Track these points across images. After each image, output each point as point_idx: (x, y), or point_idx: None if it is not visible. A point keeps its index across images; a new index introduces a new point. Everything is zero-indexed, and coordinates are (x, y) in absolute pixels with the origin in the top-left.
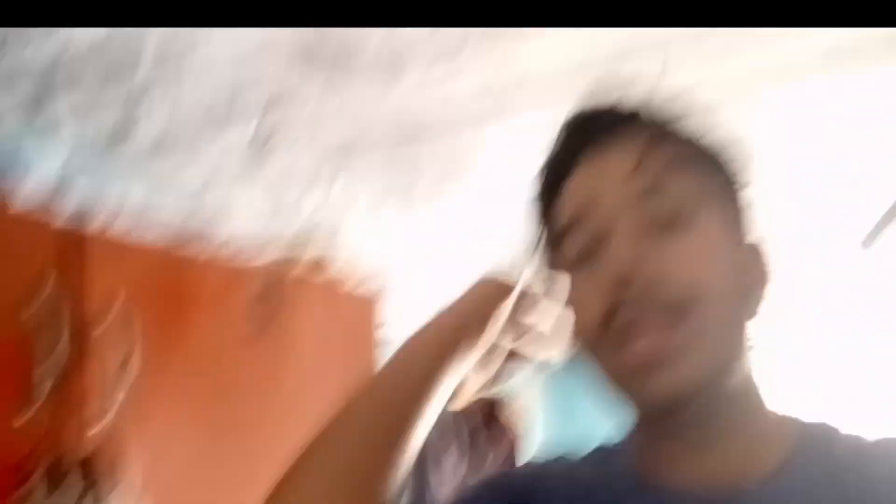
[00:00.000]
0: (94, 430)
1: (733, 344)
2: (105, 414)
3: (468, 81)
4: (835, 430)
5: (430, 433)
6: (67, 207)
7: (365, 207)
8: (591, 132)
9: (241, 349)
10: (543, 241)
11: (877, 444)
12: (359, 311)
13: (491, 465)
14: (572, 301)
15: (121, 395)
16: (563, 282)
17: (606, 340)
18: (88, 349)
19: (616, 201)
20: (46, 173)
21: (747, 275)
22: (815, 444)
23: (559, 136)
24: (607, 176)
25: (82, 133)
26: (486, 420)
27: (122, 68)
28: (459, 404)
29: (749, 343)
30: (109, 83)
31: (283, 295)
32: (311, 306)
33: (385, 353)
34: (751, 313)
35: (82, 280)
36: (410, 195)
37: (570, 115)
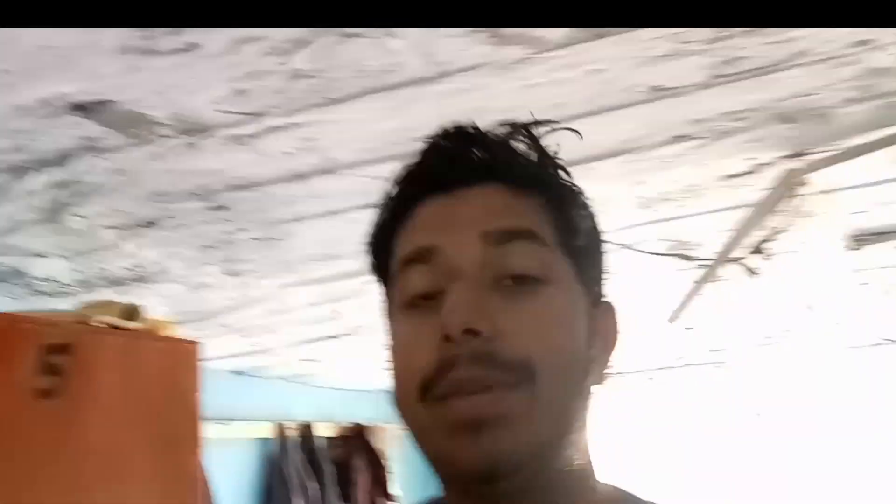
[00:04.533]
0: None
1: (573, 415)
2: None
3: (283, 141)
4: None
5: (295, 458)
6: None
7: (185, 257)
8: (451, 160)
9: (30, 413)
10: (381, 274)
11: None
12: (178, 359)
13: (360, 491)
14: (401, 346)
15: None
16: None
17: (431, 396)
18: None
19: (466, 247)
20: None
21: (598, 340)
22: None
23: (418, 157)
24: (462, 216)
25: None
26: (358, 446)
27: None
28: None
29: (589, 413)
30: None
31: (83, 348)
32: (119, 358)
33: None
34: (597, 380)
35: None
36: (231, 246)
37: (435, 134)
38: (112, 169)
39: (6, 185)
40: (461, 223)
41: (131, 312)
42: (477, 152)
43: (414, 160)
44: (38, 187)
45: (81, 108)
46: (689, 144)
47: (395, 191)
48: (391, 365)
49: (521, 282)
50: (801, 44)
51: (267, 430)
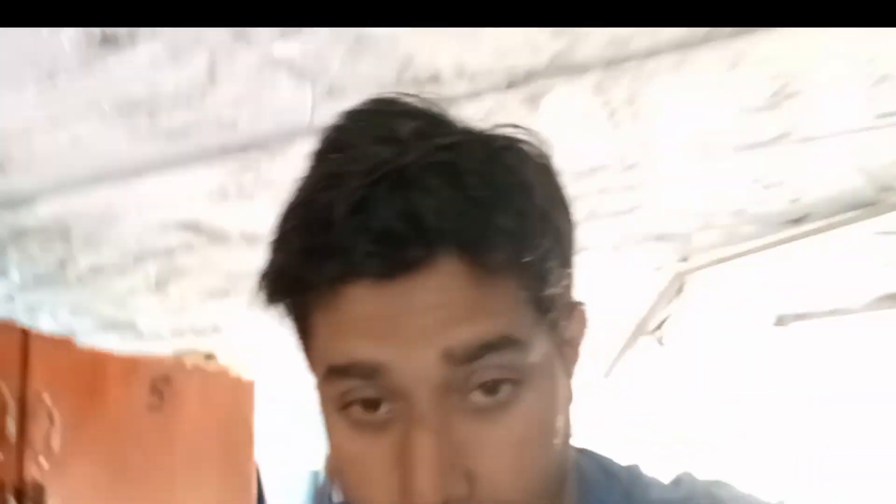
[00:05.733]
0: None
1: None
2: (38, 465)
3: None
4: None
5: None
6: (20, 321)
7: (249, 319)
8: (385, 236)
9: (143, 420)
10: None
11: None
12: (240, 393)
13: None
14: (350, 466)
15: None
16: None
17: None
18: (26, 423)
19: (422, 370)
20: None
21: (569, 351)
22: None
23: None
24: (411, 324)
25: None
26: None
27: (58, 235)
28: None
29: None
30: (50, 244)
31: (178, 379)
32: (200, 389)
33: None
34: (570, 398)
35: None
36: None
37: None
38: (199, 260)
39: (131, 267)
40: (412, 335)
41: (210, 357)
42: (426, 208)
43: (325, 195)
44: (150, 269)
45: (181, 226)
46: (590, 255)
47: (303, 250)
48: (343, 480)
49: (493, 390)
50: (634, 200)
51: (320, 463)
